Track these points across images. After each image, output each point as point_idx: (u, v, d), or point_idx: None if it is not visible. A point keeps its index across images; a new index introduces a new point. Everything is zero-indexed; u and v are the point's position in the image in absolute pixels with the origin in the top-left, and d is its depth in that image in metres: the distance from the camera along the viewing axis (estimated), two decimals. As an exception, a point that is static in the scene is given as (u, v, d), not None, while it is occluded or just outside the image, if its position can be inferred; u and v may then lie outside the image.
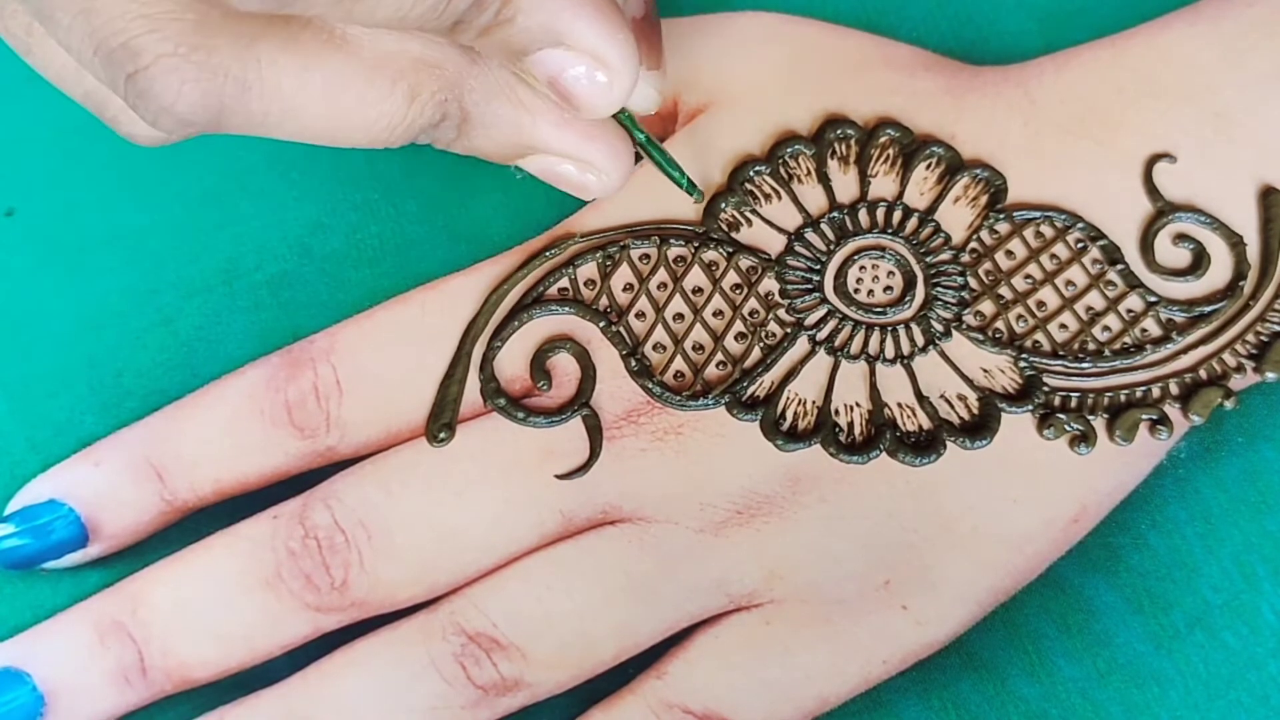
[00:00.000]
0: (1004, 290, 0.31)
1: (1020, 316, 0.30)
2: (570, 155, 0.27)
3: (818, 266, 0.31)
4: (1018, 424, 0.29)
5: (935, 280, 0.31)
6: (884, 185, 0.32)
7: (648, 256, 0.31)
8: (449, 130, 0.26)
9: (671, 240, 0.31)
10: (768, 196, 0.31)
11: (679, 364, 0.30)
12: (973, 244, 0.31)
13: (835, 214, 0.31)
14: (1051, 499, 0.29)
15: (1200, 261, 0.31)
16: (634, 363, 0.30)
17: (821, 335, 0.30)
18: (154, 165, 0.33)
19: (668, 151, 0.30)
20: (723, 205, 0.31)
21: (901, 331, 0.30)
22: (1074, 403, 0.30)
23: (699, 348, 0.30)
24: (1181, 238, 0.31)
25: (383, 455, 0.30)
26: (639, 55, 0.24)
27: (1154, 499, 0.31)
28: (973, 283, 0.31)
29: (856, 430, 0.29)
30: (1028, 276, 0.31)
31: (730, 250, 0.31)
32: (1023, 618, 0.30)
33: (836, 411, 0.30)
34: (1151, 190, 0.31)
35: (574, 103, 0.24)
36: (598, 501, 0.29)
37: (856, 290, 0.31)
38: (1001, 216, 0.31)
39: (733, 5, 0.34)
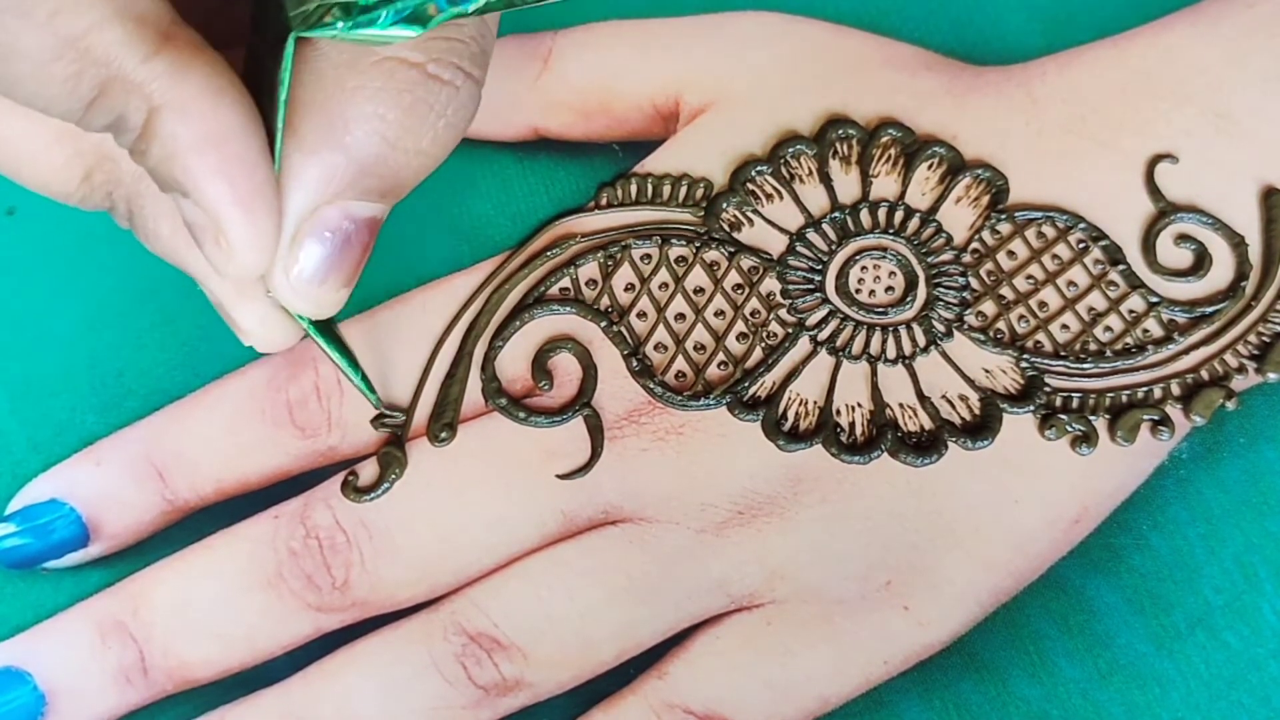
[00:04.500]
0: (1005, 290, 0.31)
1: (1022, 317, 0.30)
2: (218, 301, 0.26)
3: (819, 267, 0.31)
4: (1019, 424, 0.29)
5: (937, 280, 0.31)
6: (886, 185, 0.32)
7: (649, 256, 0.31)
8: (121, 220, 0.26)
9: (673, 240, 0.31)
10: (769, 196, 0.31)
11: (680, 364, 0.30)
12: (974, 244, 0.31)
13: (837, 214, 0.31)
14: (1053, 499, 0.29)
15: (1202, 262, 0.31)
16: (635, 363, 0.30)
17: (823, 335, 0.30)
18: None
19: (347, 347, 0.28)
20: (724, 205, 0.31)
21: (903, 332, 0.30)
22: (1075, 403, 0.30)
23: (700, 348, 0.30)
24: (1183, 238, 0.31)
25: (384, 455, 0.30)
26: (271, 234, 0.22)
27: (1155, 500, 0.30)
28: (974, 283, 0.31)
29: (858, 430, 0.29)
30: (1029, 277, 0.31)
31: (732, 250, 0.31)
32: (1024, 618, 0.30)
33: (838, 412, 0.30)
34: (1153, 191, 0.31)
35: (205, 255, 0.22)
36: (599, 501, 0.29)
37: (858, 290, 0.31)
38: (1003, 217, 0.31)
39: (734, 5, 0.34)
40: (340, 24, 0.20)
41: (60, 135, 0.24)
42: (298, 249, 0.23)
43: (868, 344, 0.30)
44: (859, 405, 0.30)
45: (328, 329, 0.27)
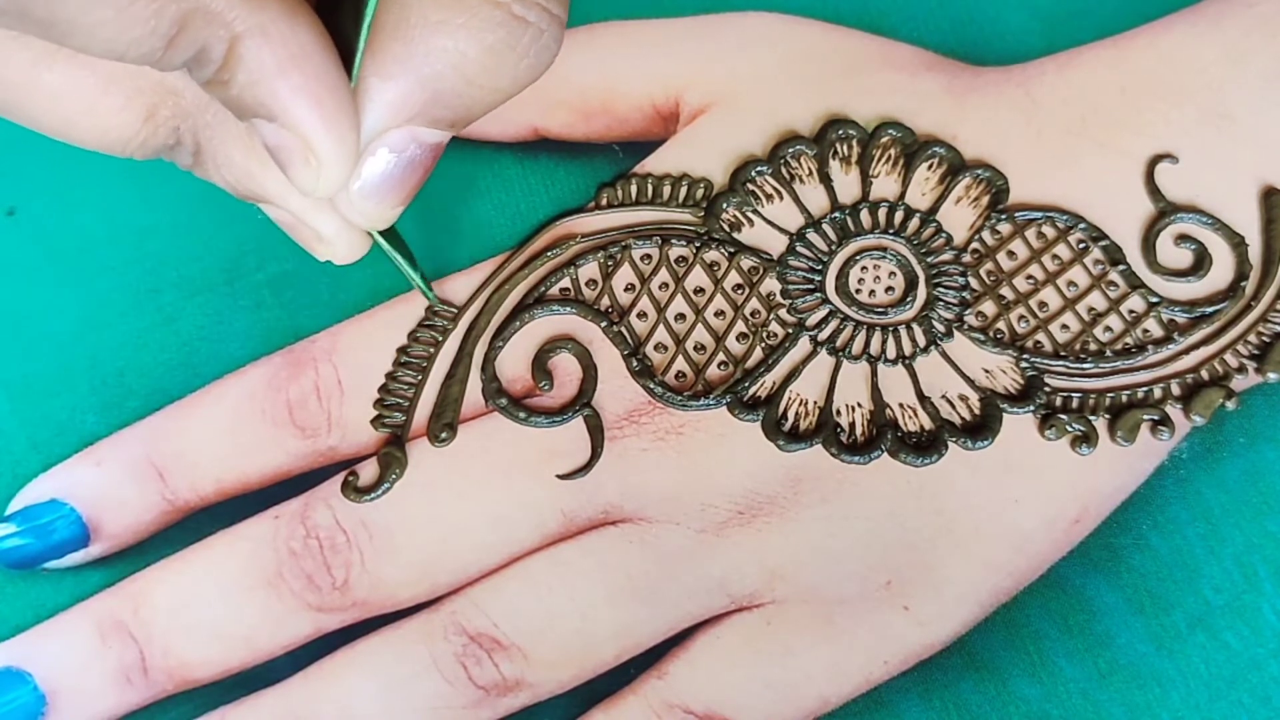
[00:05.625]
0: (1005, 291, 0.31)
1: (1022, 317, 0.30)
2: (297, 217, 0.26)
3: (819, 267, 0.31)
4: (1019, 424, 0.29)
5: (937, 281, 0.31)
6: (886, 185, 0.32)
7: (649, 256, 0.31)
8: (184, 156, 0.26)
9: (673, 240, 0.31)
10: (769, 197, 0.31)
11: (680, 364, 0.30)
12: (974, 244, 0.31)
13: (837, 214, 0.31)
14: (1053, 499, 0.29)
15: (1202, 262, 0.31)
16: (635, 363, 0.30)
17: (823, 336, 0.30)
18: (156, 164, 0.33)
19: (408, 249, 0.29)
20: (724, 205, 0.31)
21: (903, 332, 0.30)
22: (1075, 403, 0.30)
23: (700, 348, 0.30)
24: (1183, 238, 0.31)
25: (384, 455, 0.30)
26: (355, 149, 0.23)
27: (1155, 499, 0.31)
28: (974, 283, 0.31)
29: (858, 430, 0.29)
30: (1029, 277, 0.31)
31: (732, 250, 0.31)
32: (1024, 618, 0.30)
33: (838, 412, 0.30)
34: (1153, 191, 0.31)
35: (289, 176, 0.23)
36: (599, 502, 0.29)
37: (858, 291, 0.31)
38: (1003, 217, 0.31)
39: (734, 5, 0.34)
40: None
41: (114, 80, 0.24)
42: (361, 165, 0.24)
43: (868, 344, 0.30)
44: (859, 405, 0.30)
45: (389, 232, 0.28)
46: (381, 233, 0.27)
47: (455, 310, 0.30)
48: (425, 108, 0.23)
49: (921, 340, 0.30)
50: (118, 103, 0.24)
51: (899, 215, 0.31)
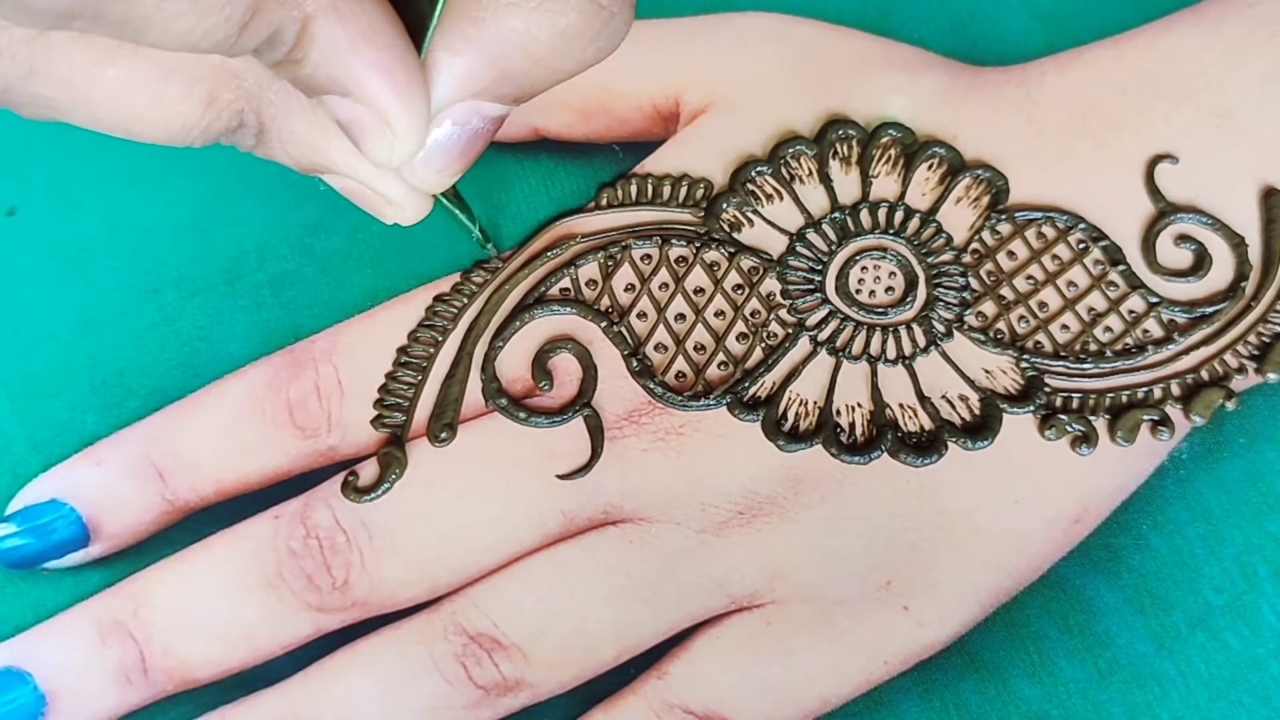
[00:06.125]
0: (1005, 291, 0.31)
1: (1022, 317, 0.30)
2: (365, 184, 0.27)
3: (819, 267, 0.31)
4: (1019, 425, 0.29)
5: (937, 281, 0.31)
6: (886, 186, 0.32)
7: (649, 257, 0.31)
8: (247, 137, 0.26)
9: (673, 240, 0.31)
10: (769, 197, 0.31)
11: (680, 364, 0.30)
12: (974, 245, 0.31)
13: (837, 214, 0.31)
14: (1053, 499, 0.29)
15: (1202, 262, 0.31)
16: (635, 363, 0.30)
17: (823, 336, 0.30)
18: (156, 164, 0.33)
19: (466, 204, 0.30)
20: (724, 205, 0.31)
21: (903, 332, 0.30)
22: (1075, 403, 0.30)
23: (700, 348, 0.30)
24: (1183, 238, 0.31)
25: (384, 455, 0.30)
26: (427, 120, 0.23)
27: (1155, 500, 0.31)
28: (974, 283, 0.31)
29: (858, 431, 0.29)
30: (1029, 277, 0.31)
31: (732, 250, 0.31)
32: (1024, 618, 0.30)
33: (838, 412, 0.30)
34: (1153, 191, 0.31)
35: (362, 149, 0.24)
36: (599, 502, 0.29)
37: (858, 291, 0.31)
38: (1003, 217, 0.31)
39: (734, 5, 0.34)
40: None
41: (175, 70, 0.24)
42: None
43: (868, 344, 0.30)
44: (859, 405, 0.30)
45: (449, 190, 0.29)
46: (442, 191, 0.28)
47: (500, 260, 0.31)
48: (491, 85, 0.23)
49: (921, 340, 0.30)
50: (180, 92, 0.24)
51: (899, 215, 0.31)
